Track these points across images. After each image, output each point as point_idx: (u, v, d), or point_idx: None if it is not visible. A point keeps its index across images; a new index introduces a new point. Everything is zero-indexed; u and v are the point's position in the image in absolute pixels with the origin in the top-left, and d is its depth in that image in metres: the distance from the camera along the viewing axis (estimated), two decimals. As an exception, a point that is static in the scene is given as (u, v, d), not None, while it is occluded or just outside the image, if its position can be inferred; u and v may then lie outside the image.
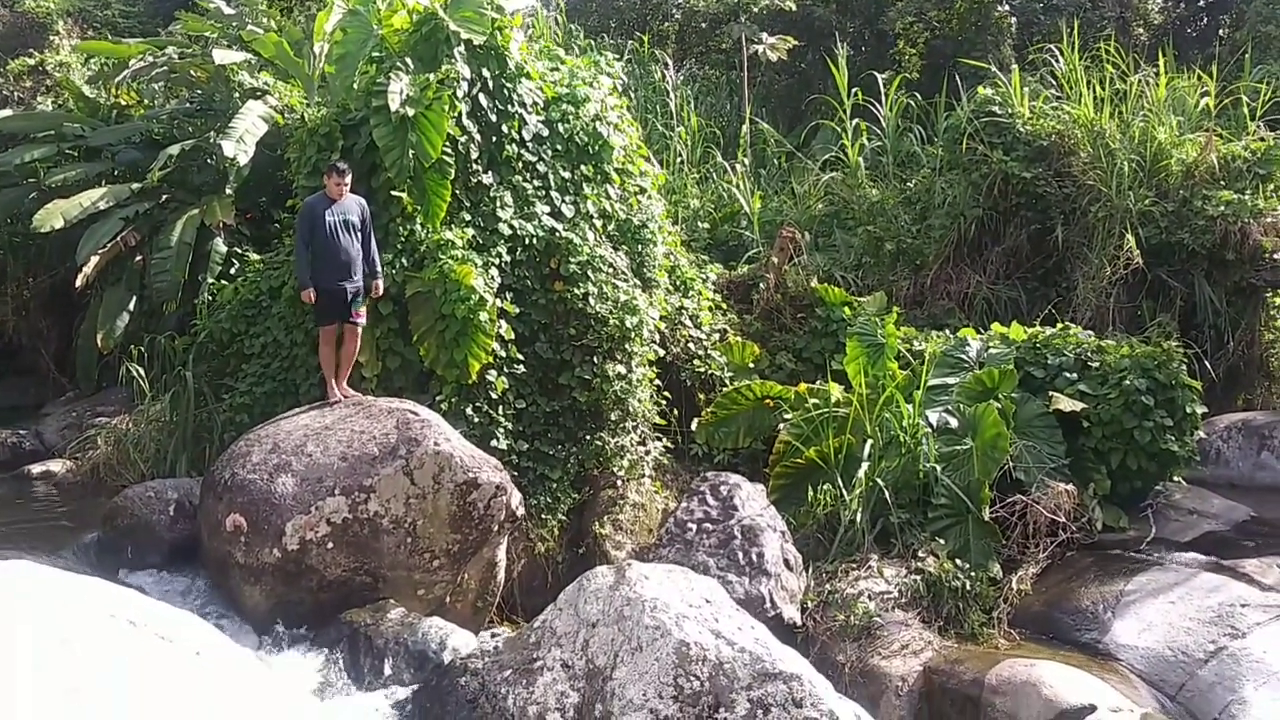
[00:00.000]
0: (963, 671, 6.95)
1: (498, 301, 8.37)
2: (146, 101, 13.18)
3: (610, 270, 9.12)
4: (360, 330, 7.98)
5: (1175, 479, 9.59)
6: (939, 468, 8.74)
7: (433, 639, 6.22)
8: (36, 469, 9.72)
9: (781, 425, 9.60)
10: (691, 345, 10.36)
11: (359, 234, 7.98)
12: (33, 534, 7.74)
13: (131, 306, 10.69)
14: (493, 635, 6.48)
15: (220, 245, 10.75)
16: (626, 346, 8.99)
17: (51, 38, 17.60)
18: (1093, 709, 6.30)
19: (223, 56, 11.63)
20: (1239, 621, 7.04)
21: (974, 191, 12.44)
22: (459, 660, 5.74)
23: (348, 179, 7.96)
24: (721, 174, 14.67)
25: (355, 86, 9.01)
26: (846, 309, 10.98)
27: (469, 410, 8.20)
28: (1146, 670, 7.00)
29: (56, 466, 9.73)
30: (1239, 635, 6.91)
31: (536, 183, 9.21)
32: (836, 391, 9.68)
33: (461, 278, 8.10)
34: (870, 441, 8.99)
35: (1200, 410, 9.49)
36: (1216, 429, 10.90)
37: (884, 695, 7.02)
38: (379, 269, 8.13)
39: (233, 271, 10.47)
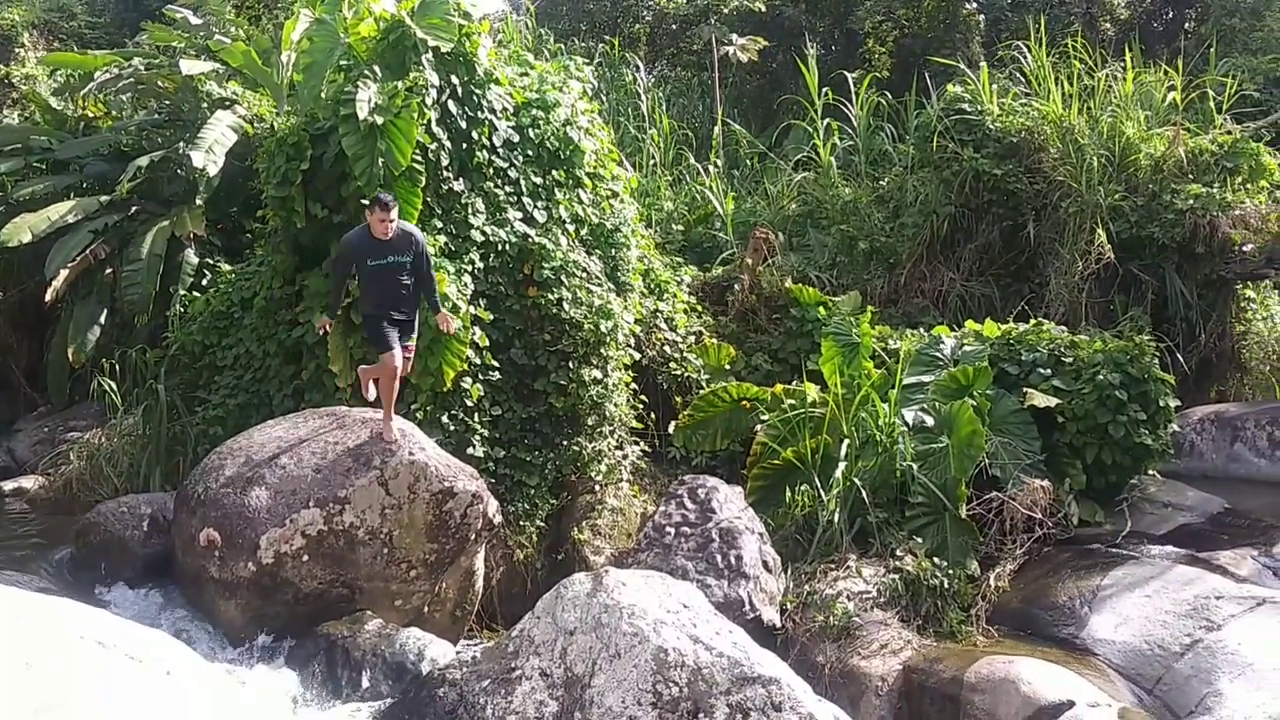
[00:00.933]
0: (942, 670, 6.96)
1: (471, 308, 8.34)
2: (114, 113, 13.07)
3: (584, 275, 9.11)
4: (410, 361, 7.32)
5: (1150, 472, 9.64)
6: (915, 466, 8.77)
7: (411, 650, 6.18)
8: (9, 485, 9.61)
9: (758, 427, 9.60)
10: (667, 348, 10.35)
11: (410, 273, 7.11)
12: (4, 551, 7.66)
13: (102, 320, 10.60)
14: (471, 645, 6.45)
15: (191, 257, 10.67)
16: (602, 351, 8.98)
17: (17, 50, 17.45)
18: (1071, 705, 6.32)
19: (190, 67, 11.55)
20: (1214, 614, 7.08)
21: (946, 189, 12.49)
22: (437, 671, 5.70)
23: (393, 213, 6.97)
24: (694, 176, 14.68)
25: (323, 95, 8.96)
26: (821, 309, 11.00)
27: (444, 418, 8.17)
28: (1123, 664, 7.03)
29: (29, 483, 9.63)
30: (1214, 628, 6.95)
31: (508, 189, 9.18)
32: (812, 392, 9.69)
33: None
34: (847, 441, 9.01)
35: (1173, 403, 9.55)
36: (1190, 422, 10.98)
37: (864, 695, 7.03)
38: (440, 305, 7.47)
39: (204, 283, 10.41)
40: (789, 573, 8.19)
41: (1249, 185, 12.37)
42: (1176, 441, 10.24)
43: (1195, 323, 11.97)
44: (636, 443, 9.45)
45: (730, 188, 14.54)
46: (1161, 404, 9.34)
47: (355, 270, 7.17)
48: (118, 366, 9.86)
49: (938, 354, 9.95)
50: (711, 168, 14.65)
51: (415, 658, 6.12)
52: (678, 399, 10.26)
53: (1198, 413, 11.24)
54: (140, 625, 5.09)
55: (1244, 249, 11.73)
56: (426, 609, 6.93)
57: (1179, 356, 11.43)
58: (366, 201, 7.77)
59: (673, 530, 8.10)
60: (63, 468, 9.45)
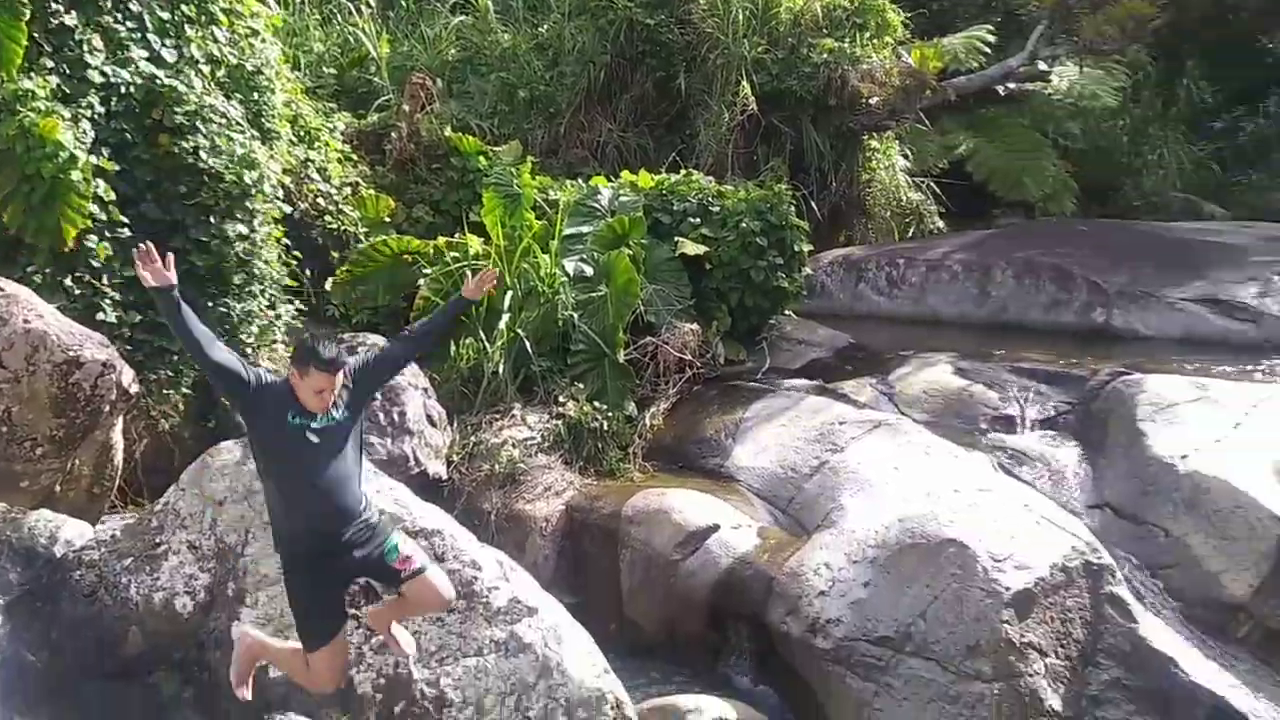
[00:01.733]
0: (601, 506, 7.35)
1: (92, 158, 7.51)
2: None
3: (223, 121, 8.41)
4: (431, 577, 4.55)
5: (786, 313, 10.41)
6: (576, 315, 9.00)
7: (41, 533, 5.71)
8: None
9: (421, 281, 9.44)
10: (321, 200, 9.86)
11: (356, 443, 4.49)
12: None
13: None
14: (109, 524, 6.05)
15: None
16: (247, 204, 8.38)
17: None
18: (716, 528, 6.89)
19: None
20: (838, 438, 7.85)
21: (602, 38, 12.52)
22: (72, 553, 5.33)
23: (339, 379, 4.34)
24: (346, 16, 13.82)
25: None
26: (482, 159, 10.84)
27: (68, 281, 7.40)
28: (762, 488, 7.70)
29: None
30: (838, 450, 7.72)
31: (130, 24, 8.23)
32: (475, 244, 9.62)
33: (46, 133, 7.17)
34: (510, 293, 9.07)
35: (807, 248, 10.31)
36: (821, 265, 11.91)
37: (529, 537, 7.31)
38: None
39: None
40: (455, 425, 8.26)
41: (876, 41, 13.27)
42: (810, 283, 11.09)
43: (828, 172, 12.87)
44: (291, 302, 9.01)
45: (385, 29, 13.84)
46: (796, 249, 10.05)
47: (255, 430, 4.45)
48: None
49: (596, 205, 10.13)
50: (364, 7, 13.84)
51: (47, 541, 5.66)
52: (334, 254, 9.86)
53: (827, 256, 12.21)
54: None
55: (870, 102, 12.66)
56: (59, 488, 6.39)
57: (813, 204, 12.30)
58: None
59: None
60: None
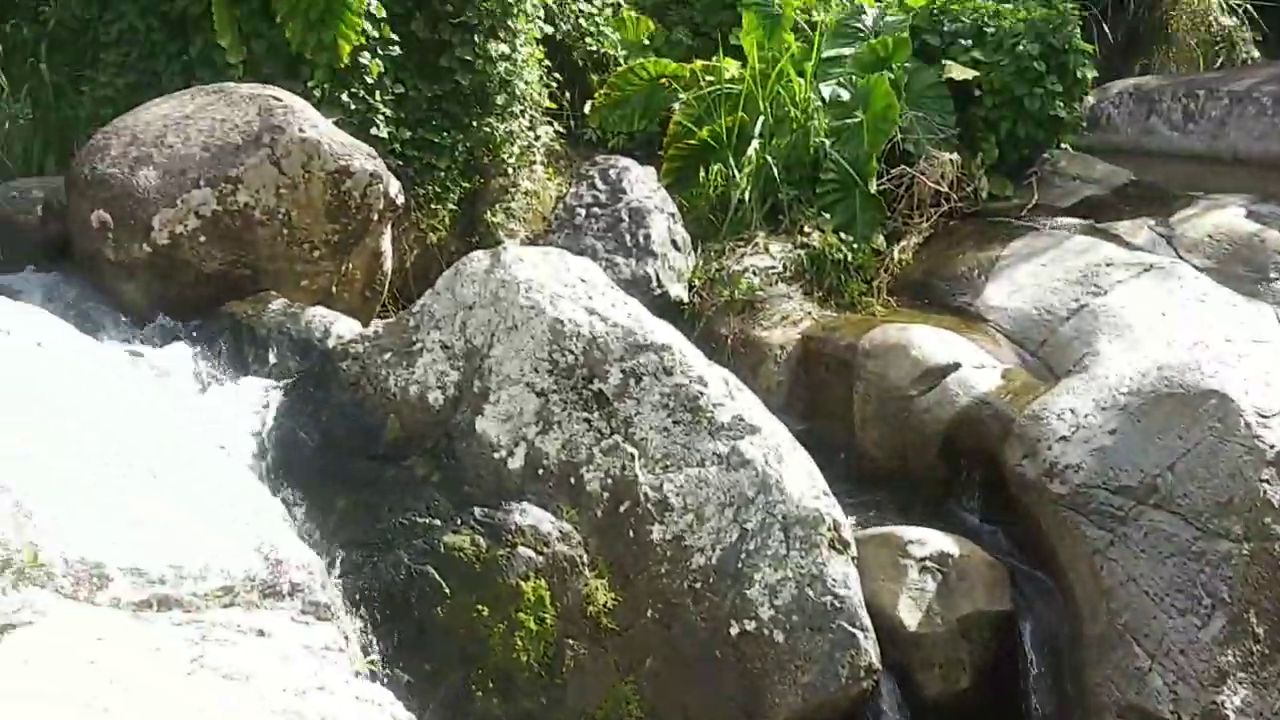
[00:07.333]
0: (838, 337, 7.26)
1: (365, -23, 7.84)
2: None
3: (487, -60, 8.55)
4: None
5: (1062, 146, 9.66)
6: (829, 142, 8.72)
7: (316, 327, 6.25)
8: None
9: (675, 105, 9.39)
10: (582, 21, 9.90)
11: None
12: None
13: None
14: (375, 324, 6.56)
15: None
16: (509, 23, 8.55)
17: None
18: (957, 366, 6.68)
19: None
20: (1103, 280, 7.34)
21: None
22: (340, 345, 5.82)
23: None
24: None
25: None
26: (745, -24, 10.49)
27: (344, 96, 7.86)
28: (1012, 329, 7.35)
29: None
30: (1101, 293, 7.22)
31: None
32: (731, 67, 9.43)
33: (322, -49, 7.52)
34: (762, 118, 8.88)
35: (1091, 75, 9.45)
36: (1109, 95, 10.89)
37: (763, 363, 7.34)
38: None
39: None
40: (699, 251, 8.31)
41: None
42: (1094, 115, 10.23)
43: (1126, -10, 11.66)
44: (550, 123, 9.22)
45: None
46: (1079, 75, 9.23)
47: None
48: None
49: (859, 25, 9.65)
50: None
51: (321, 334, 6.20)
52: (594, 77, 9.94)
53: (1117, 86, 11.12)
54: (9, 301, 5.07)
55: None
56: (334, 289, 6.95)
57: (1105, 26, 11.19)
58: None
59: (583, 211, 8.12)
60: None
